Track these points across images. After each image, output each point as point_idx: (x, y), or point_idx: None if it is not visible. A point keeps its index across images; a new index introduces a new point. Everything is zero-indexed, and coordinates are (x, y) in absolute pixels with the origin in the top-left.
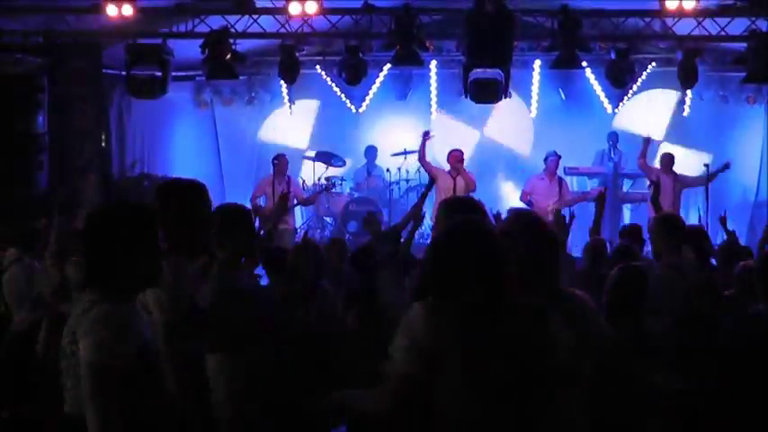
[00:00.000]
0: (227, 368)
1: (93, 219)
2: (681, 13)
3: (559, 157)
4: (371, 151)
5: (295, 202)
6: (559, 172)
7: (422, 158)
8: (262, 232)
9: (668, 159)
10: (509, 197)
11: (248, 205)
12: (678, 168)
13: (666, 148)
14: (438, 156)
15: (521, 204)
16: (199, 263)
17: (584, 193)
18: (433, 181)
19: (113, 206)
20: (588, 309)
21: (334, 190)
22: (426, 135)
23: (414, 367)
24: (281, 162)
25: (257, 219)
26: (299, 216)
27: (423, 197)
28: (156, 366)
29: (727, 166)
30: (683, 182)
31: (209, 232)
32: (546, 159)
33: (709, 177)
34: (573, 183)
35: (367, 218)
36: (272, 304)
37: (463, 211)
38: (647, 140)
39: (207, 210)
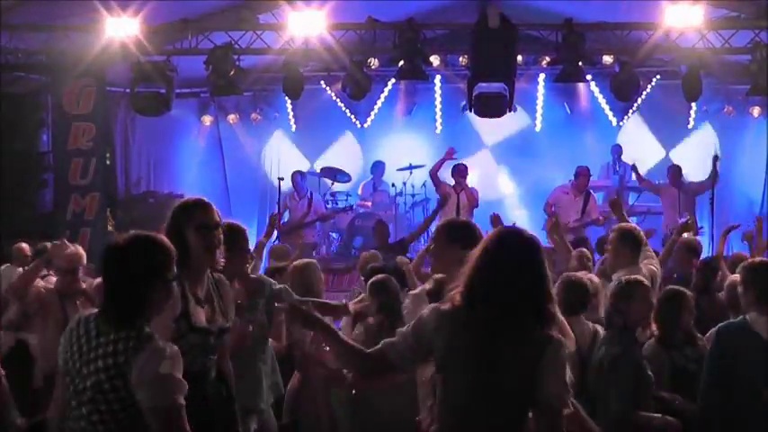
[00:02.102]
0: None
1: (113, 250)
2: (685, 26)
3: (590, 175)
4: (378, 166)
5: (314, 217)
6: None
7: (435, 173)
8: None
9: (675, 171)
10: (511, 212)
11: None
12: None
13: (672, 160)
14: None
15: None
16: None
17: (603, 218)
18: (445, 200)
19: (133, 239)
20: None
21: (338, 206)
22: (450, 154)
23: (403, 362)
24: (295, 179)
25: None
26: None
27: (434, 213)
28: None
29: (717, 158)
30: (691, 190)
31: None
32: (577, 175)
33: (712, 177)
34: None
35: (377, 227)
36: None
37: (461, 237)
38: (634, 167)
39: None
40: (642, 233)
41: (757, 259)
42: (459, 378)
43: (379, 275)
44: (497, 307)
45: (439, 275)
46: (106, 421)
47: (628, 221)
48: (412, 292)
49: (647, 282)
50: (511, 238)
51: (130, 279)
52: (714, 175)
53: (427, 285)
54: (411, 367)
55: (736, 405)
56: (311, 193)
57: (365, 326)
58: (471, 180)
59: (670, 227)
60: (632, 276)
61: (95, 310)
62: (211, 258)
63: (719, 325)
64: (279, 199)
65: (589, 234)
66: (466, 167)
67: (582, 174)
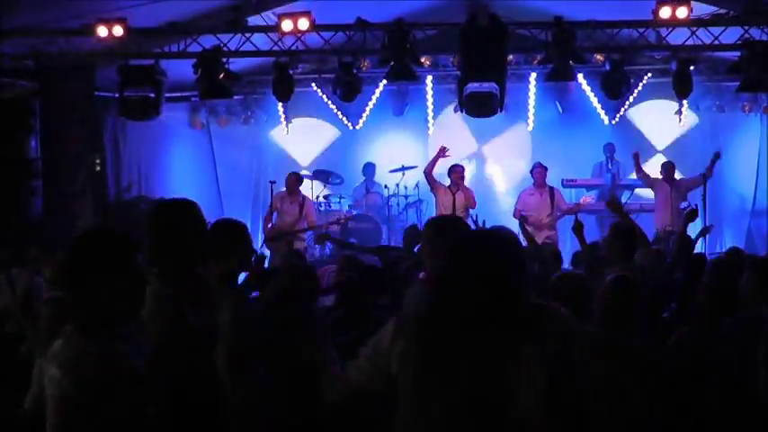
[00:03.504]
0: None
1: (72, 248)
2: (674, 23)
3: (545, 168)
4: (370, 168)
5: (305, 225)
6: (558, 184)
7: (429, 171)
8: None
9: (669, 168)
10: (508, 213)
11: (259, 222)
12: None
13: (663, 158)
14: (438, 170)
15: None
16: (190, 283)
17: (577, 204)
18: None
19: (88, 235)
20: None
21: (331, 207)
22: (443, 151)
23: (366, 379)
24: (291, 179)
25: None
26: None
27: None
28: (135, 392)
29: (717, 156)
30: (684, 187)
31: (197, 251)
32: (532, 172)
33: (705, 174)
34: (572, 195)
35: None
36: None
37: (451, 232)
38: (636, 155)
39: (194, 228)
40: (638, 230)
41: None
42: (436, 392)
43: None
44: (453, 321)
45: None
46: None
47: (629, 219)
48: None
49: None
50: (469, 249)
51: (85, 275)
52: (709, 171)
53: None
54: (379, 387)
55: None
56: (303, 198)
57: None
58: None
59: (663, 224)
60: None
61: None
62: (199, 259)
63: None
64: (270, 202)
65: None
66: (463, 168)
67: (535, 170)
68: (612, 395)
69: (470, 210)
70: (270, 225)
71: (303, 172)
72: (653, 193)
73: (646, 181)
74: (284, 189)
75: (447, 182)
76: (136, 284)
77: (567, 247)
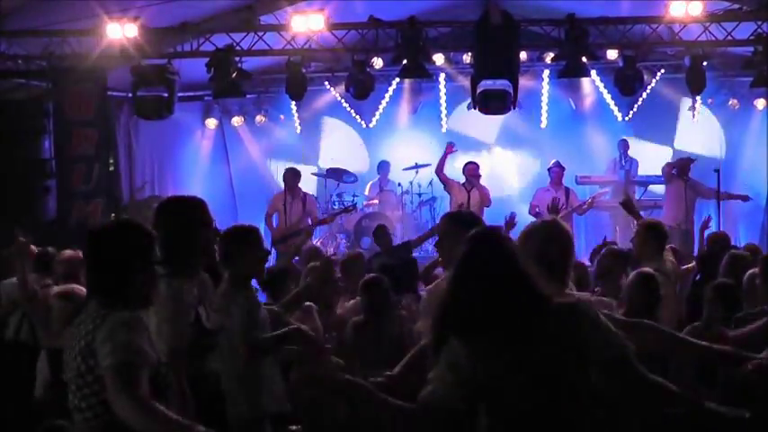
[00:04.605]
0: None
1: (93, 237)
2: (687, 19)
3: (563, 168)
4: (384, 166)
5: (309, 221)
6: (572, 181)
7: (440, 170)
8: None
9: (684, 165)
10: (519, 208)
11: (263, 223)
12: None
13: (678, 153)
14: (451, 168)
15: (530, 218)
16: (197, 280)
17: (590, 199)
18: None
19: (112, 224)
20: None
21: (345, 206)
22: (451, 147)
23: (457, 402)
24: (289, 177)
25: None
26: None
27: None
28: (167, 377)
29: (690, 161)
30: (696, 190)
31: (207, 247)
32: (549, 170)
33: (721, 196)
34: (585, 192)
35: (376, 232)
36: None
37: (470, 226)
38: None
39: (203, 226)
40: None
41: None
42: (506, 405)
43: (371, 275)
44: (504, 323)
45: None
46: (93, 406)
47: (641, 218)
48: (427, 287)
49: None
50: (483, 248)
51: (108, 262)
52: (727, 197)
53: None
54: (462, 406)
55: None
56: (305, 195)
57: (353, 323)
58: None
59: (677, 221)
60: None
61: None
62: (212, 256)
63: (736, 315)
64: (291, 201)
65: None
66: (477, 165)
67: (553, 169)
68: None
69: (485, 207)
70: (275, 226)
71: (318, 170)
72: (665, 188)
73: (666, 175)
74: (283, 189)
75: (462, 179)
76: (150, 276)
77: (582, 242)
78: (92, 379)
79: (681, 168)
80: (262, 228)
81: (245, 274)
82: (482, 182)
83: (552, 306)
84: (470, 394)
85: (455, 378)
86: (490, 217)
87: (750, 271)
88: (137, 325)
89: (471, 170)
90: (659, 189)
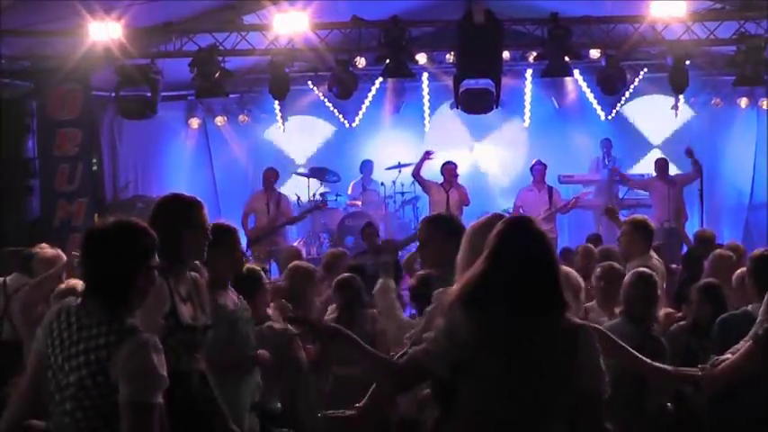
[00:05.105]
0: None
1: (94, 236)
2: (670, 18)
3: (545, 165)
4: (367, 165)
5: (284, 220)
6: (554, 180)
7: (417, 174)
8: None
9: (662, 165)
10: (501, 208)
11: (240, 223)
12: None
13: (660, 152)
14: (432, 167)
15: None
16: (182, 278)
17: (574, 199)
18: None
19: (115, 224)
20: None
21: (327, 206)
22: (428, 154)
23: (444, 366)
24: (267, 176)
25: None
26: (294, 233)
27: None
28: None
29: (690, 153)
30: (678, 182)
31: (195, 247)
32: (532, 169)
33: (696, 167)
34: (569, 191)
35: (365, 229)
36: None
37: (449, 228)
38: (616, 170)
39: (192, 226)
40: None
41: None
42: (489, 381)
43: (344, 274)
44: (520, 303)
45: (423, 272)
46: (90, 417)
47: (622, 225)
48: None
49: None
50: (519, 231)
51: (111, 264)
52: (697, 164)
53: (412, 282)
54: (446, 372)
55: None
56: (279, 195)
57: (324, 321)
58: (460, 177)
59: (661, 220)
60: None
61: (77, 301)
62: (201, 257)
63: (722, 315)
64: (268, 201)
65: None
66: (455, 165)
67: (535, 167)
68: None
69: (464, 206)
70: (252, 227)
71: (300, 170)
72: (649, 191)
73: (640, 186)
74: (261, 189)
75: (440, 179)
76: (152, 280)
77: (566, 241)
78: (96, 394)
79: (660, 168)
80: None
81: (222, 276)
82: (464, 181)
83: (563, 312)
84: (457, 363)
85: (449, 344)
86: (469, 216)
87: (738, 271)
88: (157, 350)
89: (449, 170)
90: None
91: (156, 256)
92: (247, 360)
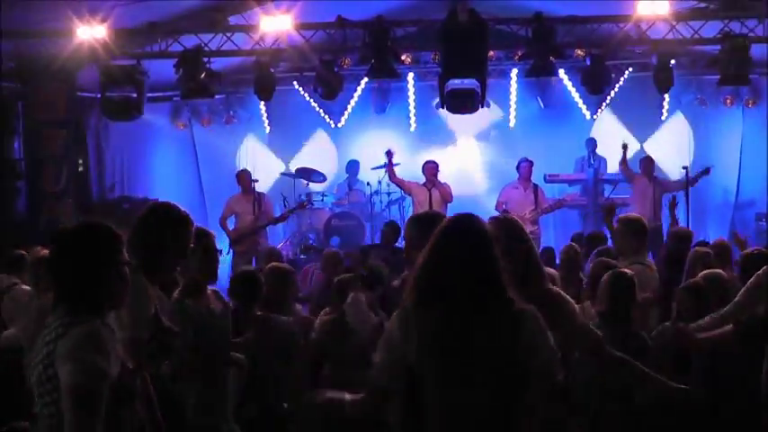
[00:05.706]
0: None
1: (60, 239)
2: (654, 18)
3: (531, 162)
4: (353, 165)
5: (266, 221)
6: (540, 180)
7: (392, 177)
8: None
9: (648, 163)
10: (487, 208)
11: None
12: (658, 171)
13: (646, 151)
14: (415, 166)
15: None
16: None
17: (560, 200)
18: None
19: (79, 227)
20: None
21: (313, 206)
22: (390, 155)
23: (386, 380)
24: (242, 177)
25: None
26: (280, 233)
27: None
28: (132, 387)
29: (706, 172)
30: (663, 186)
31: (175, 255)
32: (518, 166)
33: (690, 182)
34: (554, 190)
35: (387, 227)
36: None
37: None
38: (625, 146)
39: (174, 234)
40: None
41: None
42: (437, 380)
43: (344, 275)
44: (457, 299)
45: (405, 274)
46: (53, 414)
47: (613, 227)
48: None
49: None
50: (459, 228)
51: (75, 265)
52: (694, 181)
53: (395, 283)
54: (397, 383)
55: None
56: (259, 194)
57: (321, 321)
58: (446, 176)
59: (644, 217)
60: None
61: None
62: (180, 267)
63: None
64: (253, 201)
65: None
66: (436, 164)
67: (522, 164)
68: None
69: (447, 204)
70: (232, 228)
71: (287, 170)
72: (631, 187)
73: (626, 174)
74: (239, 191)
75: (422, 179)
76: (119, 276)
77: (551, 239)
78: (51, 387)
79: (645, 167)
80: (231, 228)
81: (196, 279)
82: (449, 181)
83: (509, 301)
84: (404, 370)
85: (387, 356)
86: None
87: (717, 270)
88: (101, 340)
89: (430, 169)
90: (628, 187)
91: (124, 255)
92: (222, 366)
